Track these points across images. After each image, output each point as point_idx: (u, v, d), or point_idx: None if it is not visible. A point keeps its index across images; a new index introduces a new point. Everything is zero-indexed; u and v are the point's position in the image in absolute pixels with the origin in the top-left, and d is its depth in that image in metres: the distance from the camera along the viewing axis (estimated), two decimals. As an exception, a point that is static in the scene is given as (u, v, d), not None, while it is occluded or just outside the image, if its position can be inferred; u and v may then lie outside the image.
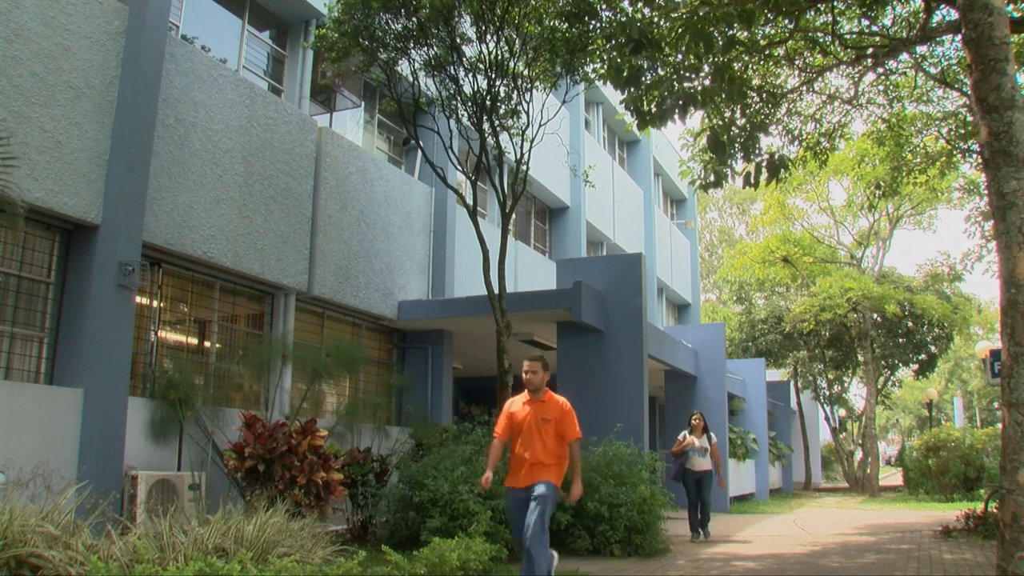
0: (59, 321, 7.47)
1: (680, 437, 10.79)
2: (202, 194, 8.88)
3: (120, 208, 7.60)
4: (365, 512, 9.13)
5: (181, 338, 9.24)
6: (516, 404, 6.03)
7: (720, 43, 7.14)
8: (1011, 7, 9.34)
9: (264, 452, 7.63)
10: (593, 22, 8.87)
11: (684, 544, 9.59)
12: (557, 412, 5.88)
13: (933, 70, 11.61)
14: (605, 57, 8.89)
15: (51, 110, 7.19)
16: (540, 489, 5.60)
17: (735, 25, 7.18)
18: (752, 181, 8.68)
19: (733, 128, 9.16)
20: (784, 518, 14.82)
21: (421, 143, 11.21)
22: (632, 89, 7.40)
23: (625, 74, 7.35)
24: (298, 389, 9.29)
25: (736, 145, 8.76)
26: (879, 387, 26.04)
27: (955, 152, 13.86)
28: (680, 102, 7.35)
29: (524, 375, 5.93)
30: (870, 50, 10.05)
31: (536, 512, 5.49)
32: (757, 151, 9.02)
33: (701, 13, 6.89)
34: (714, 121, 8.93)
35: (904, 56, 11.08)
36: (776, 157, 8.95)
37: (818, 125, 12.03)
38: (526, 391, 6.03)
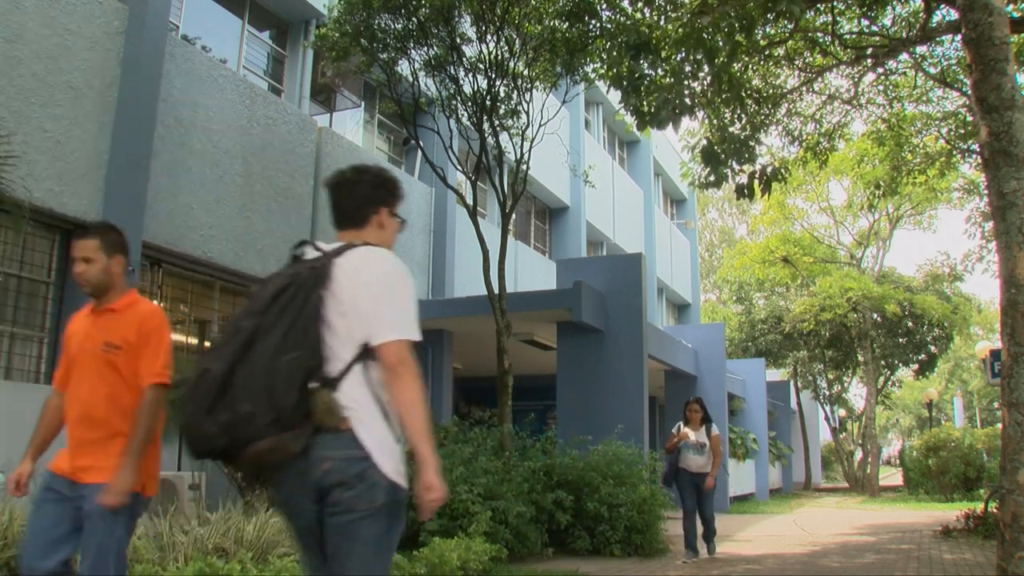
0: (59, 321, 7.47)
1: (674, 430, 8.82)
2: (202, 194, 8.87)
3: (120, 208, 7.60)
4: (365, 512, 9.10)
5: (181, 338, 9.24)
6: (76, 321, 3.32)
7: (723, 55, 7.13)
8: (1011, 7, 9.33)
9: (264, 452, 7.61)
10: (593, 22, 8.86)
11: (683, 546, 9.55)
12: (134, 332, 3.07)
13: (933, 70, 11.61)
14: (605, 57, 8.88)
15: (51, 110, 7.19)
16: (97, 508, 2.88)
17: (736, 32, 7.15)
18: (746, 192, 8.73)
19: (732, 129, 9.17)
20: (784, 518, 14.82)
21: (421, 143, 11.20)
22: (633, 99, 7.41)
23: (625, 83, 7.36)
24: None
25: (731, 150, 8.77)
26: (879, 387, 26.05)
27: (955, 152, 13.87)
28: (677, 111, 7.36)
29: (73, 265, 3.28)
30: (870, 50, 10.05)
31: (94, 551, 2.88)
32: (753, 157, 9.04)
33: (703, 23, 6.87)
34: (714, 122, 8.94)
35: (904, 56, 11.08)
36: (769, 170, 8.99)
37: (818, 125, 12.04)
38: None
